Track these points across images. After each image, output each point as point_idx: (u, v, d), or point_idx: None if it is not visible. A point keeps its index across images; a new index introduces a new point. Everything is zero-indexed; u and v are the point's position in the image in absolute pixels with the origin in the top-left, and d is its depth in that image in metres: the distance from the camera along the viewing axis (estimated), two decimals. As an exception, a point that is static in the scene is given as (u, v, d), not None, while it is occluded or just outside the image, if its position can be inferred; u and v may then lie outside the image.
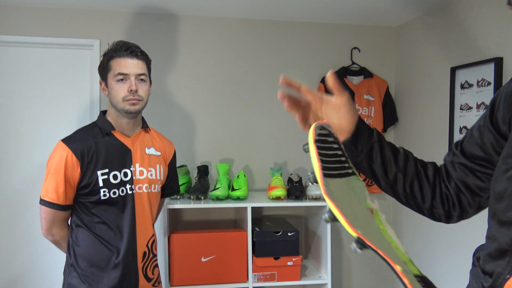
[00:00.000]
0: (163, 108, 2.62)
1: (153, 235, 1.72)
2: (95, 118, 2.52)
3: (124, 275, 1.57)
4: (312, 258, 2.65)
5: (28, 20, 2.47)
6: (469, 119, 2.15)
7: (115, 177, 1.54)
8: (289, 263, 2.32)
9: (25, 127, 2.52)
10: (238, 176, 2.43)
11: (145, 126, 1.70)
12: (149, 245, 1.69)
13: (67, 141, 1.55)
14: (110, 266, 1.55)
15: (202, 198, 2.36)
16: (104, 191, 1.52)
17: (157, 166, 1.67)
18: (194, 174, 2.65)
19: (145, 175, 1.61)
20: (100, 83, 1.63)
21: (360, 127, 0.90)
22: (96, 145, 1.54)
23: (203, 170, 2.55)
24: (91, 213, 1.54)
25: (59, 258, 2.54)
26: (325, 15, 2.64)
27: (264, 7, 2.50)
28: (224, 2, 2.41)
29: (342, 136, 0.90)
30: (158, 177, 1.68)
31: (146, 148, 1.65)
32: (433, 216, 0.96)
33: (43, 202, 1.56)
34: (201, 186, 2.43)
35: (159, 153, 1.69)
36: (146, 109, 2.58)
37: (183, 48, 2.65)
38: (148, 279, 1.67)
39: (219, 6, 2.48)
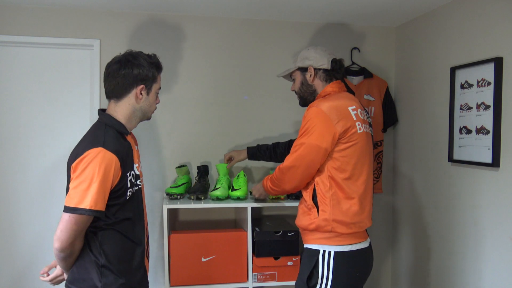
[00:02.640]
0: (163, 108, 2.62)
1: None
2: (95, 118, 2.52)
3: (143, 261, 1.67)
4: (312, 258, 2.65)
5: (28, 20, 2.47)
6: (469, 119, 2.15)
7: (133, 175, 1.60)
8: (289, 263, 2.32)
9: (25, 127, 2.52)
10: (238, 176, 2.43)
11: None
12: (147, 234, 1.79)
13: (109, 147, 1.47)
14: (136, 258, 1.62)
15: (202, 198, 2.36)
16: (129, 191, 1.57)
17: (140, 159, 1.78)
18: (194, 174, 2.65)
19: (139, 170, 1.71)
20: (141, 87, 1.59)
21: (250, 151, 2.45)
22: (124, 149, 1.56)
23: (203, 170, 2.55)
24: (115, 213, 1.54)
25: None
26: (325, 15, 2.64)
27: (264, 7, 2.50)
28: (224, 2, 2.41)
29: (243, 157, 2.45)
30: (142, 170, 1.78)
31: (135, 146, 1.74)
32: None
33: (84, 211, 1.41)
34: (201, 186, 2.43)
35: (137, 148, 1.77)
36: (146, 109, 2.59)
37: (183, 48, 2.65)
38: (148, 258, 1.78)
39: (219, 6, 2.48)
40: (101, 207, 1.45)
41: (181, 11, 2.59)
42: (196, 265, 2.24)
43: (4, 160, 2.50)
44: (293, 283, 2.35)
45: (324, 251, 1.74)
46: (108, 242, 1.54)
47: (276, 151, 2.39)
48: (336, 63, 1.93)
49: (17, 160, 2.51)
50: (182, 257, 2.23)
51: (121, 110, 1.60)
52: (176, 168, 2.52)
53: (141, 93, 1.60)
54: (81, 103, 2.57)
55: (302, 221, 1.83)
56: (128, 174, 1.56)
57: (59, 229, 1.44)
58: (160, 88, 1.70)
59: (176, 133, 2.65)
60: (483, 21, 2.08)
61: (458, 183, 2.25)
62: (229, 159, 2.46)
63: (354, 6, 2.46)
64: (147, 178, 2.58)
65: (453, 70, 2.25)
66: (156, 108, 1.72)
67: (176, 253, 2.23)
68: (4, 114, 2.50)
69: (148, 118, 1.72)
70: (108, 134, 1.54)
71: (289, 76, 2.06)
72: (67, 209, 1.43)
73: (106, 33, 2.55)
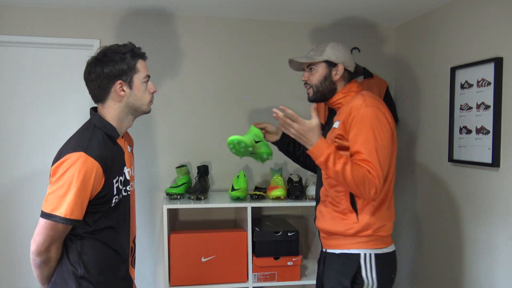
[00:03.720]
0: (163, 108, 2.62)
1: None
2: (95, 118, 2.53)
3: (127, 271, 1.57)
4: (312, 258, 2.65)
5: (28, 20, 2.47)
6: (469, 119, 2.15)
7: (120, 182, 1.49)
8: (289, 263, 2.32)
9: (25, 127, 2.52)
10: (238, 176, 2.43)
11: None
12: (135, 241, 1.68)
13: (91, 153, 1.37)
14: (118, 268, 1.52)
15: (202, 198, 2.36)
16: (115, 198, 1.47)
17: (133, 162, 1.66)
18: (194, 174, 2.65)
19: (130, 174, 1.59)
20: (119, 84, 1.47)
21: (283, 134, 2.00)
22: (112, 154, 1.46)
23: (203, 170, 2.55)
24: (96, 221, 1.44)
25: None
26: (325, 15, 2.64)
27: (264, 7, 2.50)
28: (224, 2, 2.41)
29: (275, 137, 2.02)
30: (133, 174, 1.66)
31: (128, 147, 1.62)
32: (314, 172, 2.01)
33: (59, 218, 1.33)
34: (201, 186, 2.43)
35: (130, 148, 1.66)
36: (146, 109, 2.59)
37: (183, 48, 2.65)
38: (133, 266, 1.67)
39: (219, 6, 2.48)
40: (78, 216, 1.35)
41: (181, 11, 2.59)
42: (196, 265, 2.24)
43: (4, 160, 2.50)
44: (293, 283, 2.36)
45: (365, 254, 1.65)
46: (87, 252, 1.43)
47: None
48: (358, 69, 1.95)
49: (17, 160, 2.51)
50: (182, 257, 2.23)
51: (109, 113, 1.50)
52: (176, 168, 2.52)
53: (122, 90, 1.47)
54: (81, 103, 2.57)
55: (335, 226, 1.70)
56: (114, 180, 1.45)
57: (36, 232, 1.37)
58: (148, 75, 1.53)
59: (176, 133, 2.65)
60: (483, 21, 2.08)
61: (458, 183, 2.25)
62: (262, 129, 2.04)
63: (354, 6, 2.46)
64: (147, 179, 2.58)
65: (453, 70, 2.25)
66: (151, 98, 1.55)
67: (176, 253, 2.22)
68: (4, 114, 2.50)
69: (145, 112, 1.56)
70: (94, 137, 1.44)
71: (303, 64, 1.84)
72: (43, 214, 1.35)
73: (106, 33, 2.55)
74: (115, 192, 1.46)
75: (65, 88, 2.56)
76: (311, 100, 1.85)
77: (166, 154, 2.65)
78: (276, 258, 2.32)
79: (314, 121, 1.56)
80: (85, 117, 2.56)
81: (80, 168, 1.34)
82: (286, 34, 2.76)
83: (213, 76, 2.69)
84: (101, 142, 1.44)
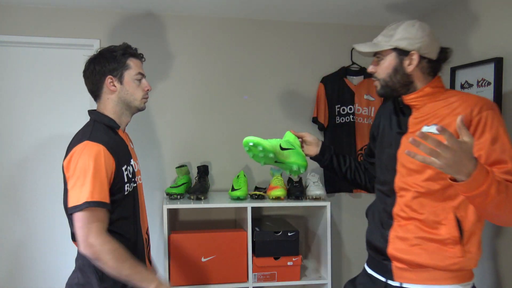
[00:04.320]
0: (163, 108, 2.62)
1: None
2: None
3: (146, 264, 1.63)
4: (312, 258, 2.65)
5: (28, 20, 2.47)
6: (469, 119, 2.15)
7: (129, 171, 1.59)
8: (289, 263, 2.32)
9: (25, 127, 2.52)
10: (238, 176, 2.43)
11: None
12: (148, 233, 1.74)
13: (95, 139, 1.46)
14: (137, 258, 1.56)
15: (202, 198, 2.36)
16: (127, 186, 1.55)
17: (137, 157, 1.77)
18: (194, 174, 2.65)
19: (137, 167, 1.69)
20: (108, 79, 1.58)
21: (323, 147, 1.76)
22: (115, 142, 1.55)
23: (203, 170, 2.55)
24: (113, 212, 1.49)
25: (55, 257, 2.54)
26: (325, 15, 2.64)
27: (263, 7, 2.50)
28: (225, 2, 2.41)
29: (314, 150, 1.75)
30: (139, 168, 1.76)
31: (130, 142, 1.73)
32: (368, 190, 1.78)
33: (93, 203, 1.38)
34: (201, 186, 2.43)
35: (133, 147, 1.77)
36: (148, 111, 2.60)
37: (183, 48, 2.65)
38: (150, 263, 1.75)
39: (219, 6, 2.48)
40: (101, 197, 1.41)
41: (182, 11, 2.59)
42: (196, 265, 2.24)
43: (4, 160, 2.50)
44: (293, 283, 2.36)
45: None
46: None
47: (359, 168, 1.77)
48: (445, 54, 1.51)
49: (17, 159, 2.51)
50: (182, 257, 2.23)
51: (105, 107, 1.61)
52: (176, 168, 2.52)
53: (113, 85, 1.58)
54: (81, 103, 2.57)
55: (431, 259, 1.35)
56: (123, 168, 1.54)
57: (77, 234, 1.39)
58: (140, 73, 1.62)
59: (176, 133, 2.65)
60: (483, 21, 2.08)
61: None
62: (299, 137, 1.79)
63: (354, 6, 2.46)
64: (147, 178, 2.58)
65: (453, 70, 2.25)
66: (144, 95, 1.64)
67: (176, 253, 2.23)
68: (3, 114, 2.50)
69: (139, 108, 1.64)
70: (96, 128, 1.54)
71: (372, 53, 1.58)
72: (71, 210, 1.40)
73: (106, 33, 2.55)
74: (125, 180, 1.54)
75: (65, 88, 2.56)
76: (379, 95, 1.52)
77: (166, 154, 2.65)
78: (276, 258, 2.32)
79: (468, 139, 1.07)
80: (85, 116, 2.57)
81: (89, 155, 1.43)
82: (286, 34, 2.76)
83: (213, 76, 2.69)
84: (103, 131, 1.55)
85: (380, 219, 1.49)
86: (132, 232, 1.57)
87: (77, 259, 1.53)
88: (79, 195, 1.39)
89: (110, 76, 1.58)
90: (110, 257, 1.39)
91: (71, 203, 1.40)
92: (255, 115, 2.73)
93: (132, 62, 1.61)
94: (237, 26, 2.71)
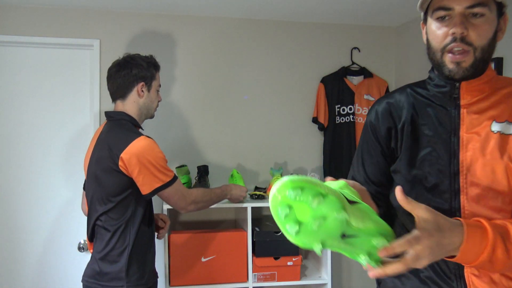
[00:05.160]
0: (163, 108, 2.62)
1: None
2: (95, 118, 2.54)
3: (153, 253, 1.90)
4: (312, 258, 2.65)
5: (28, 20, 2.47)
6: (469, 119, 2.15)
7: None
8: (289, 263, 2.32)
9: (25, 127, 2.52)
10: (232, 175, 2.41)
11: None
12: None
13: (144, 135, 1.71)
14: (154, 254, 1.90)
15: (202, 198, 2.37)
16: None
17: None
18: (194, 174, 2.65)
19: None
20: (140, 85, 1.78)
21: None
22: None
23: (203, 170, 2.55)
24: (145, 208, 1.75)
25: (55, 257, 2.53)
26: (325, 15, 2.64)
27: (263, 7, 2.50)
28: (225, 2, 2.41)
29: None
30: None
31: None
32: None
33: (175, 178, 1.74)
34: (201, 186, 2.43)
35: None
36: (146, 109, 2.59)
37: (183, 48, 2.65)
38: None
39: (218, 6, 2.48)
40: (173, 176, 1.74)
41: (182, 11, 2.59)
42: (196, 265, 2.24)
43: (4, 160, 2.50)
44: (293, 283, 2.36)
45: None
46: (139, 240, 1.76)
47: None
48: None
49: (17, 159, 2.51)
50: (182, 257, 2.23)
51: (129, 108, 1.78)
52: (176, 168, 2.52)
53: (142, 90, 1.78)
54: (81, 103, 2.57)
55: None
56: None
57: (177, 204, 1.78)
58: (160, 85, 1.87)
59: (176, 133, 2.65)
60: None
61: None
62: None
63: (354, 6, 2.46)
64: (147, 178, 2.58)
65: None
66: (158, 105, 1.89)
67: (176, 253, 2.23)
68: (3, 114, 2.50)
69: (152, 116, 1.88)
70: (133, 127, 1.75)
71: (461, 3, 0.96)
72: (160, 188, 1.69)
73: (106, 33, 2.55)
74: None
75: (65, 88, 2.56)
76: (462, 77, 1.00)
77: (166, 154, 2.64)
78: (276, 258, 2.32)
79: (424, 213, 0.81)
80: (85, 116, 2.58)
81: (157, 149, 1.71)
82: (286, 34, 2.76)
83: (214, 76, 2.69)
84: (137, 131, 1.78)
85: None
86: (152, 229, 1.87)
87: (97, 251, 1.70)
88: (161, 177, 1.68)
89: (143, 83, 1.78)
90: (204, 204, 1.90)
91: (155, 186, 1.66)
92: (255, 115, 2.73)
93: (157, 74, 1.86)
94: (237, 26, 2.71)
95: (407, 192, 0.85)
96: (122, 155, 1.63)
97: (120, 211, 1.68)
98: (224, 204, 2.29)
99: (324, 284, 2.40)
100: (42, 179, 2.53)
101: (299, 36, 2.77)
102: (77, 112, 2.57)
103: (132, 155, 1.62)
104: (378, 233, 0.79)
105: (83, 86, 2.58)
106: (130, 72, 1.76)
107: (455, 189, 0.99)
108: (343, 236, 0.76)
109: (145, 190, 1.67)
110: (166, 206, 2.22)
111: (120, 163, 1.64)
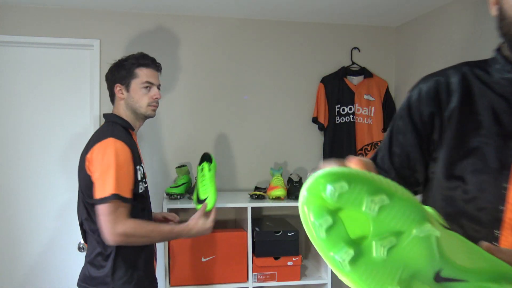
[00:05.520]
0: (163, 108, 2.62)
1: None
2: (95, 118, 2.54)
3: (149, 258, 1.74)
4: (312, 258, 2.65)
5: (28, 20, 2.47)
6: (469, 119, 2.15)
7: (141, 172, 1.68)
8: (289, 263, 2.32)
9: (24, 127, 2.52)
10: (201, 169, 1.99)
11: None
12: None
13: (118, 137, 1.59)
14: (148, 259, 1.73)
15: (202, 198, 2.36)
16: (140, 185, 1.65)
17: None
18: (194, 174, 2.64)
19: (144, 170, 1.77)
20: (116, 86, 1.72)
21: None
22: (131, 143, 1.65)
23: (203, 170, 2.55)
24: (133, 209, 1.62)
25: (53, 257, 2.54)
26: (325, 15, 2.64)
27: (263, 7, 2.50)
28: (224, 2, 2.41)
29: None
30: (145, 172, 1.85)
31: (139, 147, 1.82)
32: None
33: (117, 197, 1.48)
34: (201, 186, 2.43)
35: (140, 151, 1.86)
36: (146, 109, 2.59)
37: (183, 48, 2.65)
38: (155, 261, 1.90)
39: (218, 6, 2.48)
40: (122, 191, 1.51)
41: (182, 11, 2.59)
42: (196, 265, 2.24)
43: (4, 160, 2.50)
44: (293, 283, 2.36)
45: None
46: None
47: None
48: None
49: (17, 159, 2.51)
50: (182, 257, 2.23)
51: (118, 110, 1.74)
52: (176, 168, 2.52)
53: (121, 92, 1.72)
54: (81, 103, 2.57)
55: None
56: (137, 167, 1.64)
57: (102, 225, 1.51)
58: (148, 82, 1.72)
59: (176, 133, 2.65)
60: (483, 21, 2.08)
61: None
62: None
63: (354, 6, 2.46)
64: (147, 179, 2.58)
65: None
66: (150, 102, 1.74)
67: (176, 253, 2.23)
68: (3, 114, 2.50)
69: (146, 115, 1.75)
70: (115, 128, 1.66)
71: None
72: (98, 201, 1.51)
73: (106, 33, 2.55)
74: (139, 178, 1.64)
75: (65, 88, 2.56)
76: None
77: (166, 154, 2.65)
78: (276, 258, 2.32)
79: None
80: (85, 116, 2.58)
81: (117, 150, 1.54)
82: (286, 34, 2.76)
83: (214, 76, 2.69)
84: (122, 131, 1.65)
85: None
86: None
87: (87, 255, 1.66)
88: (105, 188, 1.49)
89: (118, 84, 1.72)
90: (138, 239, 1.56)
91: (97, 196, 1.51)
92: (255, 115, 2.73)
93: (141, 71, 1.73)
94: (237, 26, 2.71)
95: (439, 203, 0.75)
96: (87, 155, 1.58)
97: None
98: (224, 204, 2.29)
99: (324, 284, 2.40)
100: (42, 179, 2.53)
101: (299, 36, 2.77)
102: (77, 112, 2.57)
103: (95, 156, 1.54)
104: (499, 277, 0.45)
105: (83, 86, 2.58)
106: (108, 77, 1.76)
107: (497, 210, 0.76)
108: (438, 278, 0.44)
109: (95, 196, 1.53)
110: (166, 206, 2.22)
111: (86, 163, 1.58)
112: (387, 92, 2.79)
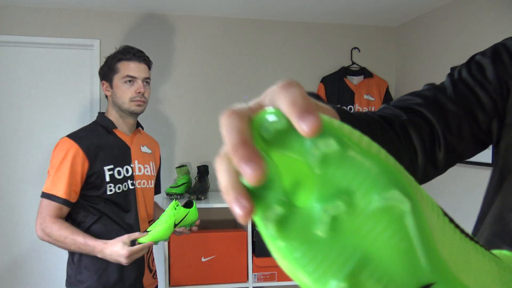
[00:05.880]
0: (164, 108, 2.62)
1: None
2: (95, 118, 2.53)
3: (131, 266, 1.58)
4: (312, 258, 2.65)
5: (28, 20, 2.47)
6: (469, 119, 2.15)
7: (119, 173, 1.59)
8: (289, 263, 2.32)
9: (25, 127, 2.52)
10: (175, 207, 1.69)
11: (139, 126, 1.77)
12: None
13: (72, 136, 1.55)
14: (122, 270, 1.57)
15: (202, 198, 2.36)
16: (110, 186, 1.56)
17: (150, 163, 1.74)
18: (194, 174, 2.65)
19: (142, 171, 1.68)
20: (103, 84, 1.65)
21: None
22: (101, 142, 1.58)
23: (203, 170, 2.55)
24: (96, 209, 1.55)
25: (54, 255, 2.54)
26: (325, 15, 2.64)
27: (263, 7, 2.50)
28: (224, 2, 2.41)
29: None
30: (152, 173, 1.75)
31: (141, 146, 1.72)
32: None
33: (48, 196, 1.50)
34: (201, 186, 2.43)
35: (150, 151, 1.76)
36: (148, 111, 2.59)
37: (183, 47, 2.65)
38: (150, 270, 1.74)
39: (219, 6, 2.48)
40: (63, 194, 1.49)
41: (182, 11, 2.59)
42: (196, 265, 2.24)
43: (4, 160, 2.50)
44: (293, 283, 2.36)
45: None
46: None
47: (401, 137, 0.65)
48: None
49: (17, 159, 2.51)
50: (182, 257, 2.23)
51: (107, 109, 1.67)
52: (176, 168, 2.52)
53: (107, 90, 1.64)
54: (81, 103, 2.57)
55: None
56: (106, 168, 1.54)
57: (37, 217, 1.54)
58: (128, 76, 1.58)
59: (176, 133, 2.65)
60: (483, 21, 2.08)
61: (458, 183, 2.25)
62: None
63: (354, 6, 2.46)
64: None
65: (453, 70, 2.25)
66: (133, 97, 1.58)
67: (176, 253, 2.22)
68: (3, 114, 2.50)
69: (130, 111, 1.61)
70: (86, 127, 1.63)
71: None
72: (42, 194, 1.53)
73: (106, 33, 2.55)
74: (108, 180, 1.55)
75: (65, 88, 2.56)
76: None
77: (166, 154, 2.65)
78: (276, 258, 2.32)
79: None
80: (85, 117, 2.58)
81: (61, 149, 1.52)
82: (286, 34, 2.76)
83: (214, 76, 2.69)
84: (91, 130, 1.60)
85: None
86: (115, 233, 1.54)
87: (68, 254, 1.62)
88: (45, 184, 1.52)
89: (104, 81, 1.65)
90: (55, 242, 1.50)
91: (44, 188, 1.53)
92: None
93: (122, 65, 1.60)
94: (237, 26, 2.71)
95: (493, 184, 0.60)
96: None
97: (73, 214, 1.56)
98: (224, 204, 2.29)
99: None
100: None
101: (299, 36, 2.77)
102: (77, 112, 2.57)
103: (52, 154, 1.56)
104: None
105: (83, 86, 2.58)
106: (99, 75, 1.70)
107: None
108: None
109: None
110: (166, 206, 2.22)
111: None
112: (387, 92, 2.79)
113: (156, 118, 2.62)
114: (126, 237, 1.46)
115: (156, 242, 1.50)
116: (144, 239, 1.47)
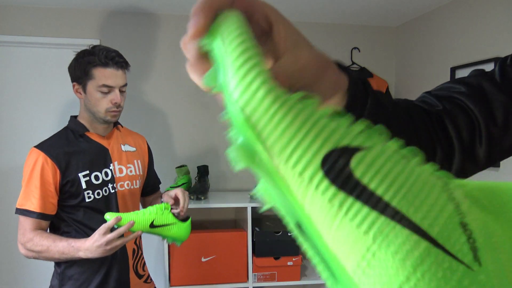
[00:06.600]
0: (164, 108, 2.62)
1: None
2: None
3: (113, 272, 1.53)
4: (312, 258, 2.65)
5: (28, 20, 2.47)
6: (469, 119, 2.15)
7: (96, 178, 1.50)
8: (289, 263, 2.32)
9: (25, 127, 2.52)
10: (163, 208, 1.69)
11: (116, 124, 1.65)
12: (137, 242, 1.64)
13: (40, 146, 1.47)
14: (98, 266, 1.51)
15: (202, 198, 2.36)
16: (88, 193, 1.49)
17: (135, 161, 1.64)
18: (194, 174, 2.65)
19: (124, 172, 1.59)
20: (74, 85, 1.51)
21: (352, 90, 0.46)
22: (71, 148, 1.49)
23: (203, 170, 2.55)
24: (76, 220, 1.49)
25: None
26: (325, 15, 2.64)
27: (264, 7, 2.50)
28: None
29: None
30: (138, 173, 1.65)
31: (121, 145, 1.62)
32: None
33: (21, 211, 1.44)
34: (201, 186, 2.43)
35: (134, 149, 1.66)
36: (147, 111, 2.60)
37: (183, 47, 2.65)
38: (139, 276, 1.64)
39: (219, 6, 2.48)
40: (37, 207, 1.43)
41: (182, 12, 2.59)
42: (196, 265, 2.24)
43: (3, 160, 2.50)
44: (293, 283, 2.36)
45: None
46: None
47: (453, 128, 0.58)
48: None
49: (16, 159, 2.51)
50: (182, 257, 2.23)
51: (79, 111, 1.56)
52: (176, 168, 2.52)
53: (78, 92, 1.50)
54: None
55: None
56: (81, 174, 1.47)
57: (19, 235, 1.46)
58: (105, 86, 1.45)
59: (176, 133, 2.65)
60: (483, 21, 2.08)
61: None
62: None
63: (354, 6, 2.46)
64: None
65: (453, 70, 2.25)
66: (109, 108, 1.48)
67: (176, 253, 2.22)
68: (3, 114, 2.50)
69: (107, 121, 1.52)
70: (57, 135, 1.53)
71: None
72: (17, 210, 1.46)
73: (106, 33, 2.55)
74: (84, 187, 1.47)
75: (64, 88, 2.56)
76: None
77: (166, 154, 2.65)
78: (276, 258, 2.32)
79: None
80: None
81: (29, 161, 1.45)
82: (286, 34, 2.76)
83: (213, 76, 2.69)
84: (60, 138, 1.52)
85: None
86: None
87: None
88: (18, 199, 1.46)
89: (75, 83, 1.50)
90: (40, 255, 1.43)
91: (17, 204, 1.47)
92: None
93: (98, 72, 1.45)
94: (237, 26, 2.71)
95: None
96: None
97: (56, 224, 1.51)
98: (224, 204, 2.30)
99: (324, 284, 2.40)
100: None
101: (299, 36, 2.77)
102: (77, 112, 2.57)
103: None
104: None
105: (83, 86, 2.57)
106: (68, 71, 1.55)
107: None
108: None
109: None
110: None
111: None
112: (387, 92, 2.79)
113: (156, 118, 2.62)
114: (102, 227, 1.37)
115: (133, 231, 1.41)
116: (131, 227, 1.40)
